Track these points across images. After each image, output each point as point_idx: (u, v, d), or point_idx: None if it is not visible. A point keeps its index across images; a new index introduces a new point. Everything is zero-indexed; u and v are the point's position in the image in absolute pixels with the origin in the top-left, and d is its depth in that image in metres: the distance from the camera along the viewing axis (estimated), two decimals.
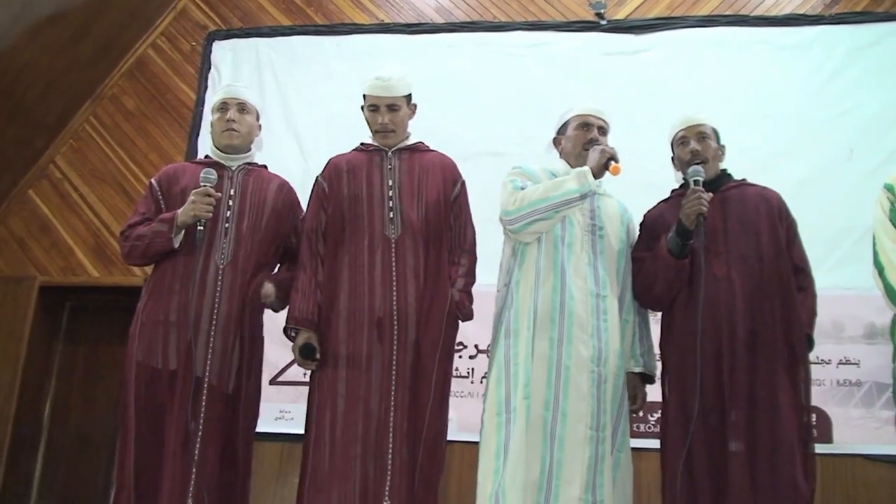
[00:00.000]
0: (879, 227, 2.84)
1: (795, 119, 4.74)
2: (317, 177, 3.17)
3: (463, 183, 3.16)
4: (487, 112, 4.95)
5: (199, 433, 2.87)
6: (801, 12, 5.10)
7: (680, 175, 3.10)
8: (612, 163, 2.85)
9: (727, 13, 5.15)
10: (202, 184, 3.00)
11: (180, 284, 2.95)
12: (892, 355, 2.84)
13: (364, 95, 3.14)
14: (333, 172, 3.13)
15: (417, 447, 2.84)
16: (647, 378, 3.02)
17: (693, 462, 2.71)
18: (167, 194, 3.12)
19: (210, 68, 5.42)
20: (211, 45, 5.47)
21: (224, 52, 5.43)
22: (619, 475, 2.79)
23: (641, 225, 3.08)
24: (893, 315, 2.84)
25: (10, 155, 5.28)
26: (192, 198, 2.97)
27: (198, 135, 5.26)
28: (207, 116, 5.16)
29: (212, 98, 3.31)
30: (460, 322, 3.05)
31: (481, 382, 4.16)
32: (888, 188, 2.89)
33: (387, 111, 3.10)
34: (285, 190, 3.27)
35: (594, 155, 2.88)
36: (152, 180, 3.19)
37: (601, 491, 2.70)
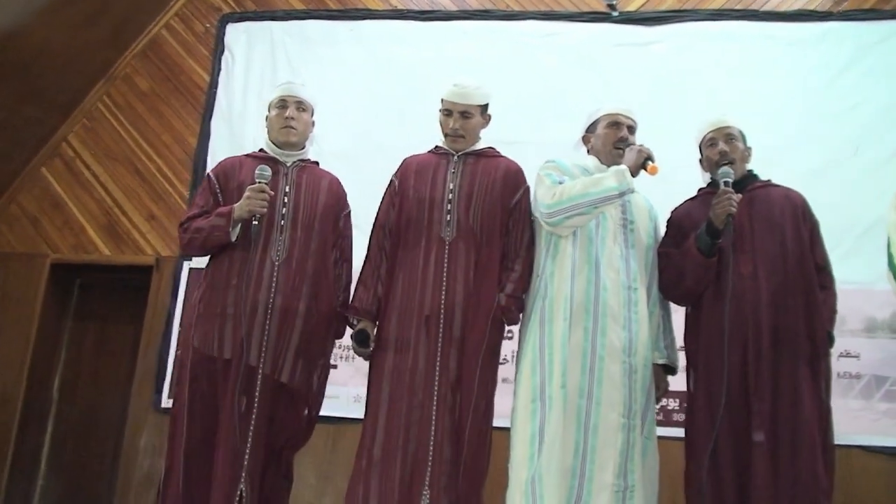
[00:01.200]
0: (892, 229, 2.90)
1: (802, 114, 4.86)
2: (392, 176, 3.30)
3: (526, 189, 3.23)
4: (500, 100, 4.89)
5: (253, 421, 3.00)
6: (811, 8, 5.22)
7: (707, 175, 3.22)
8: (650, 163, 2.98)
9: (737, 7, 5.27)
10: (257, 180, 3.10)
11: (237, 279, 3.08)
12: None
13: (441, 100, 3.25)
14: (405, 173, 3.28)
15: (461, 443, 2.95)
16: (669, 370, 3.15)
17: (718, 452, 2.84)
18: (224, 188, 3.23)
19: (224, 50, 5.52)
20: (224, 27, 5.55)
21: (238, 35, 5.52)
22: (647, 461, 2.92)
23: (669, 221, 3.22)
24: None
25: (23, 134, 5.38)
26: (247, 193, 3.08)
27: (210, 116, 5.36)
28: (221, 98, 5.33)
29: (270, 94, 3.43)
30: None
31: None
32: None
33: (459, 117, 3.21)
34: (336, 186, 3.40)
35: (631, 154, 3.00)
36: (210, 173, 3.32)
37: (632, 476, 2.83)
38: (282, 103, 3.31)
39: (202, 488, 2.96)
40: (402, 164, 3.32)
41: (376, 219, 3.26)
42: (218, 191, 3.23)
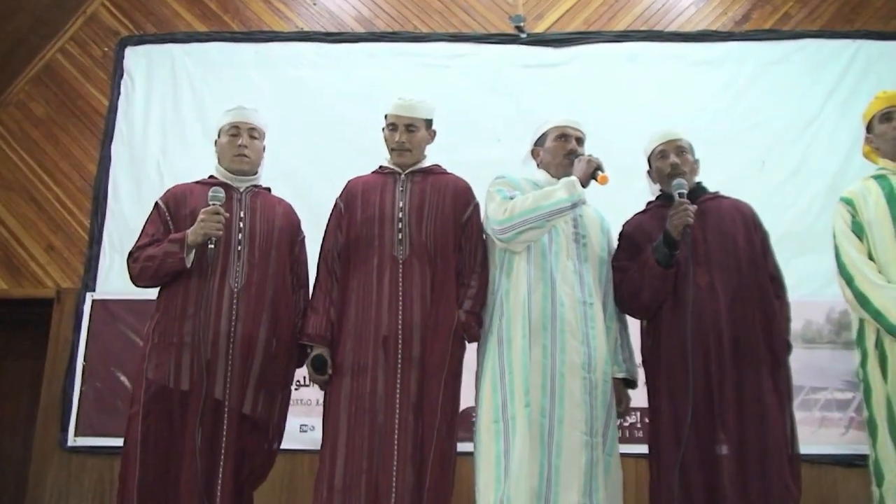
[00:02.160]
0: (843, 238, 3.07)
1: (709, 132, 4.94)
2: (336, 199, 3.25)
3: (476, 205, 3.24)
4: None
5: (222, 455, 2.92)
6: (713, 29, 5.39)
7: (655, 187, 3.26)
8: (599, 172, 2.98)
9: (642, 29, 5.40)
10: (210, 202, 3.04)
11: (194, 307, 3.00)
12: (860, 361, 3.05)
13: (385, 115, 3.24)
14: (350, 194, 3.24)
15: (424, 468, 2.90)
16: (630, 383, 3.16)
17: (686, 466, 2.84)
18: (175, 216, 3.15)
19: (123, 75, 5.38)
20: (123, 50, 5.42)
21: (137, 59, 5.39)
22: (610, 479, 2.92)
23: (621, 235, 3.23)
24: (860, 322, 3.06)
25: None
26: (201, 216, 3.01)
27: (111, 142, 5.22)
28: (121, 124, 5.19)
29: (220, 118, 3.36)
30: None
31: None
32: (847, 202, 3.12)
33: (404, 130, 3.21)
34: (290, 211, 3.35)
35: (581, 165, 3.01)
36: (159, 201, 3.22)
37: (597, 495, 2.82)
38: (234, 130, 3.26)
39: None
40: (346, 185, 3.29)
41: (323, 243, 3.22)
42: (168, 219, 3.16)
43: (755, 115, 5.07)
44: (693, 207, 2.93)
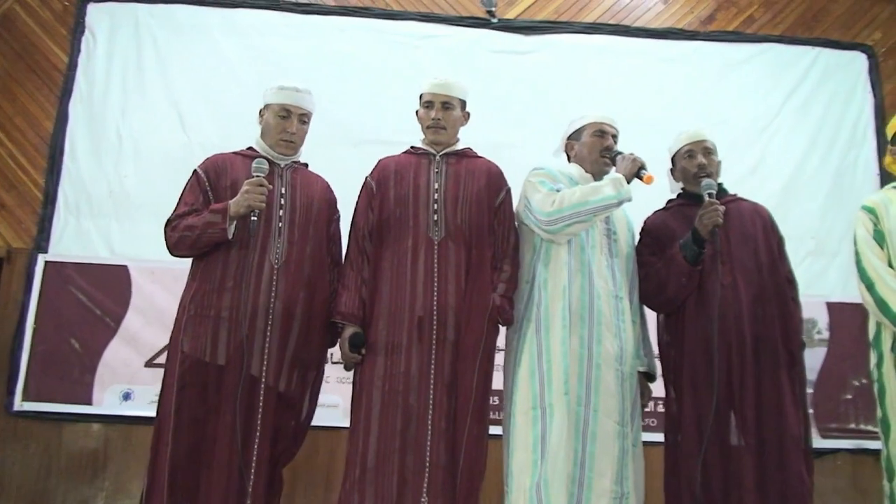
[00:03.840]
0: (864, 245, 3.18)
1: (672, 129, 5.03)
2: (366, 177, 3.30)
3: (508, 190, 3.29)
4: (379, 99, 5.09)
5: (258, 433, 2.93)
6: (679, 27, 5.56)
7: (677, 185, 3.39)
8: (644, 172, 3.08)
9: (610, 22, 5.54)
10: (254, 174, 3.04)
11: (234, 281, 2.99)
12: (876, 363, 3.20)
13: (420, 96, 3.30)
14: (382, 174, 3.26)
15: (458, 447, 2.95)
16: (649, 377, 3.27)
17: (707, 457, 2.97)
18: (215, 186, 3.14)
19: (84, 31, 5.28)
20: (85, 6, 5.32)
21: (100, 15, 5.31)
22: (636, 466, 3.04)
23: (643, 231, 3.36)
24: (877, 326, 3.20)
25: None
26: (245, 188, 3.01)
27: (69, 100, 5.13)
28: (81, 81, 5.12)
29: (270, 91, 3.29)
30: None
31: None
32: (869, 210, 3.24)
33: (440, 108, 3.25)
34: (328, 189, 3.35)
35: (626, 163, 3.10)
36: (198, 170, 3.20)
37: (626, 483, 2.95)
38: (285, 112, 3.22)
39: (189, 502, 2.84)
40: (377, 164, 3.32)
41: (354, 221, 3.24)
42: (208, 188, 3.13)
43: (716, 115, 5.23)
44: (722, 208, 3.06)
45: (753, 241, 3.20)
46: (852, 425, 4.88)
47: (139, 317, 4.64)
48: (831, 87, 5.44)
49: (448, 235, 3.11)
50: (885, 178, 5.25)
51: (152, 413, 4.37)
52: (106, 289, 4.69)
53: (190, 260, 3.16)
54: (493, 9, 5.39)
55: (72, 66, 5.17)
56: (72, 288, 4.70)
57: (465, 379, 2.99)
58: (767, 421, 2.99)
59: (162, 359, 4.52)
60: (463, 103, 3.33)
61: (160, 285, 4.68)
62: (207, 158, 3.26)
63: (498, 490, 3.03)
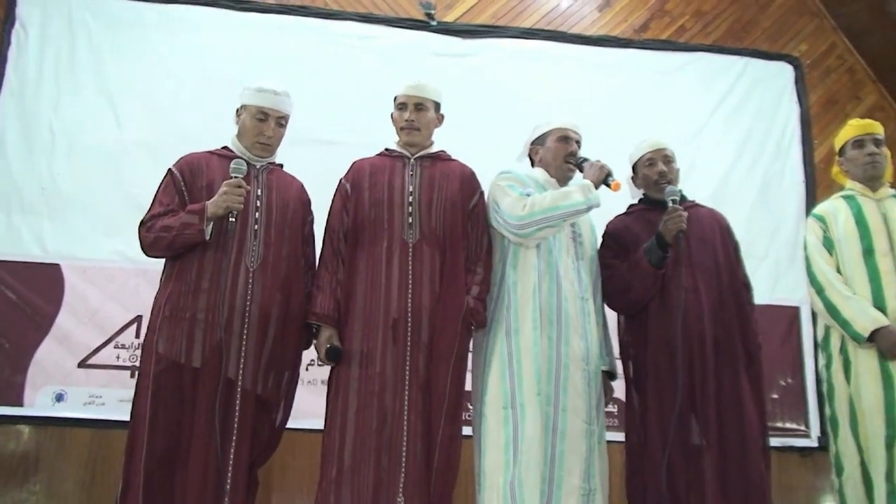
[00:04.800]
0: (815, 252, 3.44)
1: (603, 135, 5.15)
2: (340, 178, 3.35)
3: (482, 193, 3.37)
4: (316, 99, 5.08)
5: (234, 436, 2.95)
6: (614, 35, 5.71)
7: (638, 192, 3.54)
8: (612, 179, 3.23)
9: (547, 28, 5.69)
10: (233, 175, 3.06)
11: (209, 283, 3.01)
12: (824, 364, 3.44)
13: (395, 98, 3.36)
14: (356, 175, 3.32)
15: (433, 447, 3.01)
16: (612, 376, 3.40)
17: (671, 456, 3.10)
18: (191, 186, 3.15)
19: (14, 23, 5.16)
20: None
21: (31, 8, 5.22)
22: (602, 464, 3.16)
23: (605, 234, 3.49)
24: (825, 329, 3.45)
25: None
26: (223, 189, 3.02)
27: None
28: (10, 75, 5.02)
29: (248, 92, 3.31)
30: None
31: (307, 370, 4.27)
32: (819, 218, 3.53)
33: (414, 109, 3.33)
34: (303, 191, 3.38)
35: (594, 171, 3.24)
36: (173, 169, 3.21)
37: (593, 480, 3.07)
38: (262, 115, 3.24)
39: None
40: (351, 166, 3.36)
41: (328, 223, 3.29)
42: (183, 188, 3.15)
43: (649, 121, 5.33)
44: (685, 214, 3.19)
45: (712, 245, 3.35)
46: (778, 423, 5.09)
47: (72, 316, 4.59)
48: (759, 96, 5.67)
49: (423, 238, 3.17)
50: (810, 185, 5.50)
51: (86, 415, 4.49)
52: (37, 288, 4.62)
53: (161, 260, 3.19)
54: (432, 11, 5.47)
55: (1, 60, 5.07)
56: (1, 287, 4.62)
57: (440, 380, 3.05)
58: (728, 420, 3.14)
59: (96, 359, 4.56)
60: (437, 105, 3.41)
61: (93, 284, 4.65)
62: (182, 158, 3.27)
63: (465, 489, 3.13)
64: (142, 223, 3.12)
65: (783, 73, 5.79)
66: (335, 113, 5.11)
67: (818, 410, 5.09)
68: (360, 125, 4.97)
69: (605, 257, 3.41)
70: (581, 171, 3.34)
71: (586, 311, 3.21)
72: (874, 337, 3.21)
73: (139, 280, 4.62)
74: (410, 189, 3.24)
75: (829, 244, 3.43)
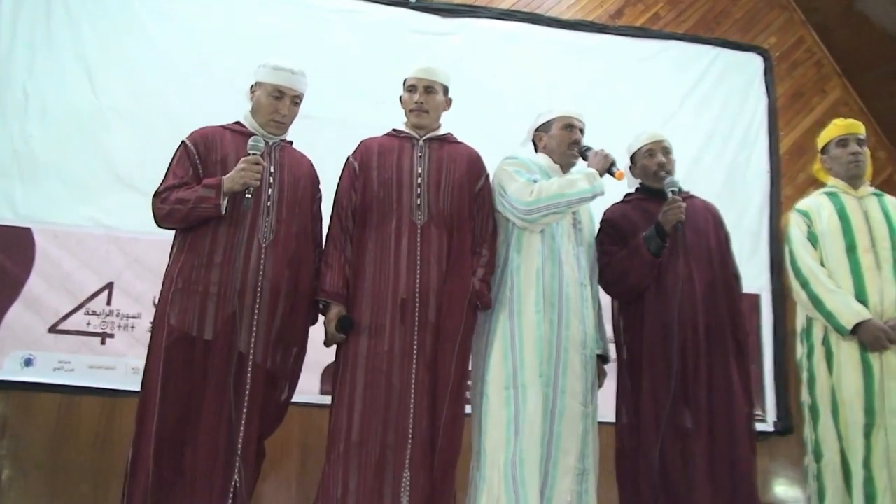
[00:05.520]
0: (799, 246, 3.56)
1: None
2: (348, 157, 3.40)
3: (488, 177, 3.44)
4: None
5: (245, 411, 2.98)
6: (590, 20, 5.81)
7: (635, 181, 3.65)
8: (616, 168, 3.34)
9: (524, 10, 5.77)
10: (251, 151, 3.08)
11: (222, 258, 3.04)
12: (805, 353, 3.57)
13: (404, 81, 3.41)
14: (365, 154, 3.37)
15: (437, 426, 3.08)
16: (604, 359, 3.52)
17: (664, 439, 3.21)
18: (205, 160, 3.17)
19: None
20: None
21: None
22: (595, 445, 3.28)
23: (603, 222, 3.60)
24: (807, 320, 3.58)
25: None
26: (241, 165, 3.05)
27: None
28: None
29: (264, 69, 3.31)
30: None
31: None
32: (803, 213, 3.64)
33: (423, 92, 3.39)
34: (313, 169, 3.41)
35: (598, 159, 3.34)
36: (187, 142, 3.22)
37: (587, 460, 3.20)
38: (278, 93, 3.26)
39: (175, 477, 2.89)
40: (359, 145, 3.40)
41: (336, 201, 3.34)
42: (198, 161, 3.17)
43: (621, 107, 5.46)
44: (684, 205, 3.31)
45: (706, 236, 3.48)
46: None
47: (43, 281, 4.57)
48: (729, 86, 5.81)
49: (431, 219, 3.23)
50: (774, 175, 5.64)
51: (54, 380, 4.48)
52: (8, 251, 4.58)
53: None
54: None
55: None
56: None
57: (446, 360, 3.12)
58: (718, 405, 3.26)
59: (66, 325, 4.56)
60: (445, 89, 3.47)
61: (66, 249, 4.63)
62: (195, 131, 3.27)
63: (466, 467, 3.21)
64: (156, 194, 3.14)
65: (752, 64, 5.93)
66: (314, 87, 5.08)
67: (775, 397, 5.26)
68: (338, 101, 5.01)
69: (603, 244, 3.51)
70: (585, 158, 3.43)
71: (585, 297, 3.31)
72: (857, 329, 3.34)
73: (111, 247, 4.64)
74: (419, 170, 3.30)
75: (813, 239, 3.55)
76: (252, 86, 3.35)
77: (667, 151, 3.59)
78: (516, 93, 5.21)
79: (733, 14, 6.02)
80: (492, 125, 4.48)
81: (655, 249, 3.32)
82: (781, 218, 5.54)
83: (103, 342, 4.53)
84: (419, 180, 3.28)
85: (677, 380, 3.24)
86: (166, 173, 3.19)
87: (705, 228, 3.50)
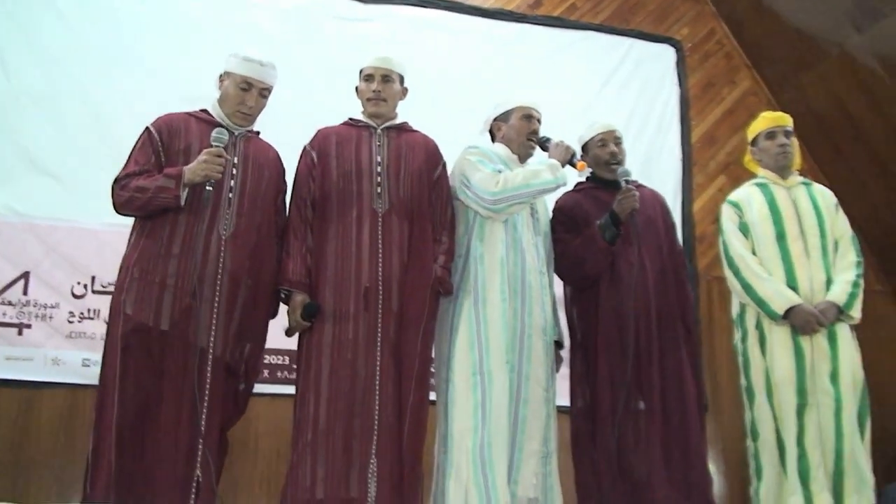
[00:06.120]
0: (731, 236, 3.69)
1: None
2: (305, 146, 3.32)
3: (444, 165, 3.47)
4: (207, 57, 4.93)
5: (206, 402, 2.95)
6: (509, 9, 5.86)
7: (586, 170, 3.66)
8: (577, 160, 3.45)
9: None
10: (214, 144, 3.04)
11: (180, 249, 3.00)
12: (740, 338, 3.69)
13: (360, 71, 3.38)
14: (323, 143, 3.36)
15: (403, 411, 3.10)
16: (560, 345, 3.58)
17: (620, 421, 3.30)
18: (168, 148, 3.12)
19: None
20: None
21: None
22: (555, 428, 3.36)
23: (556, 211, 3.68)
24: (741, 306, 3.69)
25: None
26: (203, 157, 3.00)
27: None
28: None
29: (234, 59, 3.28)
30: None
31: None
32: (734, 205, 3.76)
33: (381, 81, 3.39)
34: (279, 161, 3.38)
35: (559, 151, 3.43)
36: (151, 129, 3.16)
37: (550, 443, 3.30)
38: (245, 85, 3.23)
39: (137, 465, 2.86)
40: (316, 134, 3.38)
41: (295, 190, 3.32)
42: (160, 149, 3.12)
43: (540, 96, 5.39)
44: (638, 194, 3.39)
45: (655, 224, 3.59)
46: None
47: None
48: (643, 76, 5.94)
49: (392, 208, 3.25)
50: (686, 163, 5.82)
51: None
52: None
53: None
54: None
55: None
56: None
57: (409, 347, 3.16)
58: (670, 388, 3.39)
59: None
60: (401, 78, 3.48)
61: None
62: (160, 117, 3.22)
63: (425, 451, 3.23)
64: (116, 180, 3.08)
65: (666, 55, 6.09)
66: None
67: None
68: None
69: (557, 232, 3.59)
70: (544, 149, 3.51)
71: (544, 284, 3.40)
72: (788, 314, 3.48)
73: (27, 235, 4.47)
74: (379, 159, 3.33)
75: (744, 229, 3.69)
76: (221, 74, 3.31)
77: (618, 142, 3.69)
78: (435, 80, 5.23)
79: (647, 6, 6.16)
80: (410, 112, 4.53)
81: (610, 237, 3.40)
82: (693, 204, 5.76)
83: (20, 333, 4.37)
84: (379, 169, 3.31)
85: (631, 366, 3.33)
86: (127, 159, 3.15)
87: (654, 217, 3.61)
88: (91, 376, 4.27)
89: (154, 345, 2.95)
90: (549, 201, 3.69)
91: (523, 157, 3.54)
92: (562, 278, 3.64)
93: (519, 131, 3.54)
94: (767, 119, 3.91)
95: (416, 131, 3.53)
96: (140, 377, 2.91)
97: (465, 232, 3.40)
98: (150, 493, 2.85)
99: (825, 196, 3.77)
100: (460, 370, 3.22)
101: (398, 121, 3.49)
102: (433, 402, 3.33)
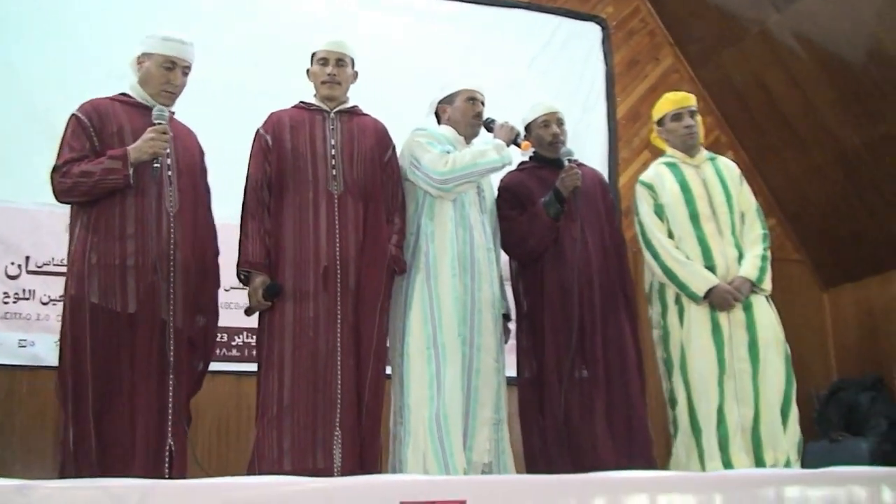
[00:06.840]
0: (647, 219, 3.82)
1: (426, 83, 5.02)
2: (258, 129, 3.36)
3: (394, 147, 3.60)
4: (115, 35, 4.80)
5: (171, 375, 3.05)
6: None
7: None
8: (521, 140, 3.62)
9: None
10: (156, 121, 3.08)
11: (134, 229, 3.06)
12: (660, 311, 3.83)
13: (313, 54, 3.42)
14: (277, 126, 3.44)
15: (362, 385, 3.24)
16: (506, 318, 3.75)
17: (566, 390, 3.48)
18: (100, 133, 3.14)
19: None
20: None
21: None
22: (505, 397, 3.56)
23: (502, 188, 3.84)
24: (659, 283, 3.82)
25: None
26: (149, 134, 3.04)
27: None
28: None
29: (153, 40, 3.26)
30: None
31: None
32: (647, 186, 3.87)
33: (335, 64, 3.47)
34: (196, 139, 3.45)
35: (504, 132, 3.59)
36: (79, 115, 3.16)
37: (501, 411, 3.50)
38: (169, 64, 3.24)
39: (114, 446, 2.95)
40: (269, 118, 3.43)
41: (250, 174, 3.36)
42: (93, 134, 3.09)
43: (470, 74, 5.37)
44: (580, 172, 3.55)
45: (595, 200, 3.76)
46: None
47: None
48: (570, 54, 6.08)
49: (347, 190, 3.38)
50: (612, 139, 5.99)
51: None
52: None
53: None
54: None
55: None
56: None
57: (367, 323, 3.30)
58: (612, 356, 3.58)
59: None
60: (353, 62, 3.55)
61: None
62: (84, 104, 3.22)
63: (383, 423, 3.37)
64: (55, 168, 3.09)
65: (592, 32, 6.22)
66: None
67: None
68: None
69: (503, 210, 3.75)
70: (489, 130, 3.65)
71: (491, 260, 3.57)
72: (708, 295, 3.66)
73: None
74: (333, 142, 3.43)
75: (659, 210, 3.84)
76: (138, 56, 3.30)
77: (560, 123, 3.84)
78: (367, 59, 5.24)
79: None
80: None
81: (555, 213, 3.57)
82: (619, 178, 5.94)
83: None
84: (333, 152, 3.41)
85: (577, 336, 3.51)
86: (60, 147, 3.15)
87: (594, 193, 3.79)
88: (27, 357, 4.33)
89: (123, 327, 3.02)
90: (495, 180, 3.83)
91: (469, 138, 3.68)
92: (508, 253, 3.81)
93: (464, 113, 3.68)
94: (672, 101, 4.04)
95: (366, 115, 3.62)
96: (112, 362, 2.99)
97: (415, 211, 3.53)
98: (128, 466, 2.91)
99: (730, 169, 3.97)
100: (415, 344, 3.37)
101: (349, 104, 3.57)
102: (388, 377, 3.46)
